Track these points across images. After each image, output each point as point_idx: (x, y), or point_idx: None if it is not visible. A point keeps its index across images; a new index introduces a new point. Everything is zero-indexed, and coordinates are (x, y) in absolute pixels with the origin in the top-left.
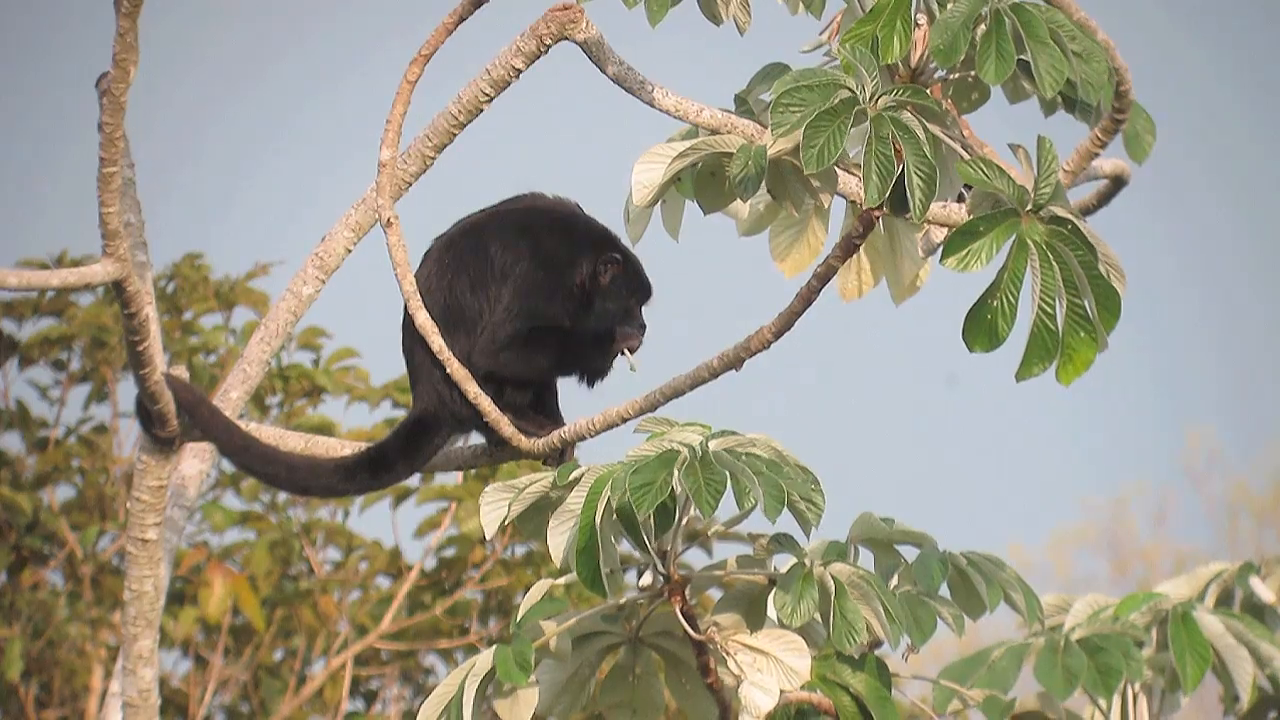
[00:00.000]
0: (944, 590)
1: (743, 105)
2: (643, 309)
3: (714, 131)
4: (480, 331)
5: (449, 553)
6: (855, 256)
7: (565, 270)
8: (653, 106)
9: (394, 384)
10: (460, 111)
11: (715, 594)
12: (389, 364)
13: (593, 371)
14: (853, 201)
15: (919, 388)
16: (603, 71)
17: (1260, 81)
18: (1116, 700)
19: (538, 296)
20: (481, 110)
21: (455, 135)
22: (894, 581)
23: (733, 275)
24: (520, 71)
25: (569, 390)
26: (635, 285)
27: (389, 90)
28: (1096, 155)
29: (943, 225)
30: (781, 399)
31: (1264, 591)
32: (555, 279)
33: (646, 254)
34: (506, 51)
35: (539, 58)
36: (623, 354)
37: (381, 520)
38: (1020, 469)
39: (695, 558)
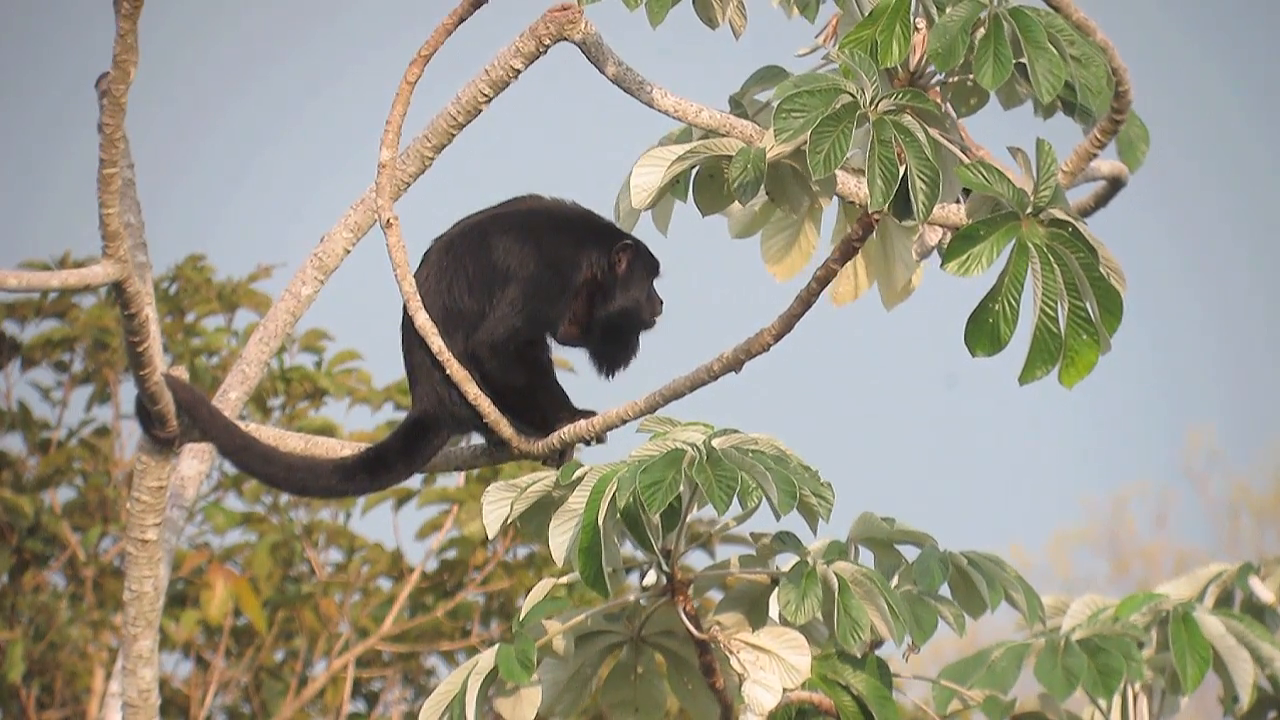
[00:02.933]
0: (945, 590)
1: (737, 108)
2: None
3: (712, 132)
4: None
5: (450, 555)
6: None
7: (570, 271)
8: (651, 107)
9: (396, 386)
10: (459, 112)
11: (717, 595)
12: (391, 366)
13: (613, 361)
14: (850, 202)
15: (919, 389)
16: (601, 72)
17: (1260, 81)
18: (1116, 701)
19: (542, 298)
20: (480, 111)
21: (454, 136)
22: (894, 581)
23: (733, 277)
24: (519, 72)
25: (573, 391)
26: (651, 265)
27: (389, 90)
28: (1095, 156)
29: (942, 226)
30: (781, 399)
31: (1263, 592)
32: (561, 280)
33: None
34: (505, 52)
35: (538, 58)
36: (562, 450)
37: (383, 522)
38: (1020, 469)
39: (696, 559)
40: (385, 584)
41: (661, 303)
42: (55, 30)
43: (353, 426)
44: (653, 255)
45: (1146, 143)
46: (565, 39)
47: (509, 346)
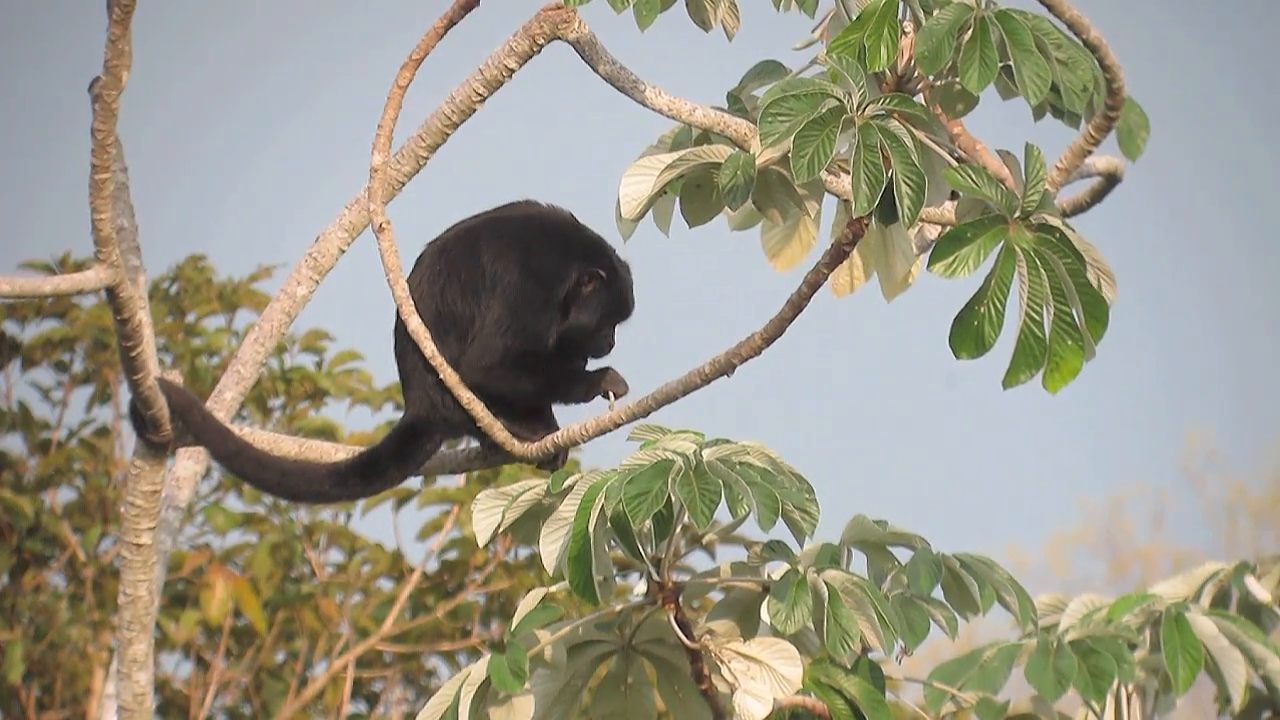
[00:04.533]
0: (938, 592)
1: (736, 103)
2: (616, 328)
3: (707, 130)
4: (470, 340)
5: (451, 555)
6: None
7: (553, 282)
8: (645, 106)
9: (396, 387)
10: (453, 112)
11: (717, 597)
12: (391, 366)
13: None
14: (845, 200)
15: (917, 389)
16: (595, 71)
17: (1260, 79)
18: (1110, 701)
19: (526, 310)
20: (475, 110)
21: (448, 135)
22: (887, 584)
23: (726, 278)
24: (513, 71)
25: None
26: (616, 304)
27: (384, 91)
28: (1089, 153)
29: (936, 223)
30: (779, 399)
31: (1259, 591)
32: (544, 291)
33: (640, 257)
34: (499, 51)
35: (532, 57)
36: (606, 396)
37: (384, 523)
38: (1018, 470)
39: (698, 561)
40: (386, 584)
41: (611, 346)
42: (54, 32)
43: (353, 427)
44: (627, 297)
45: (1147, 131)
46: (559, 38)
47: (505, 363)
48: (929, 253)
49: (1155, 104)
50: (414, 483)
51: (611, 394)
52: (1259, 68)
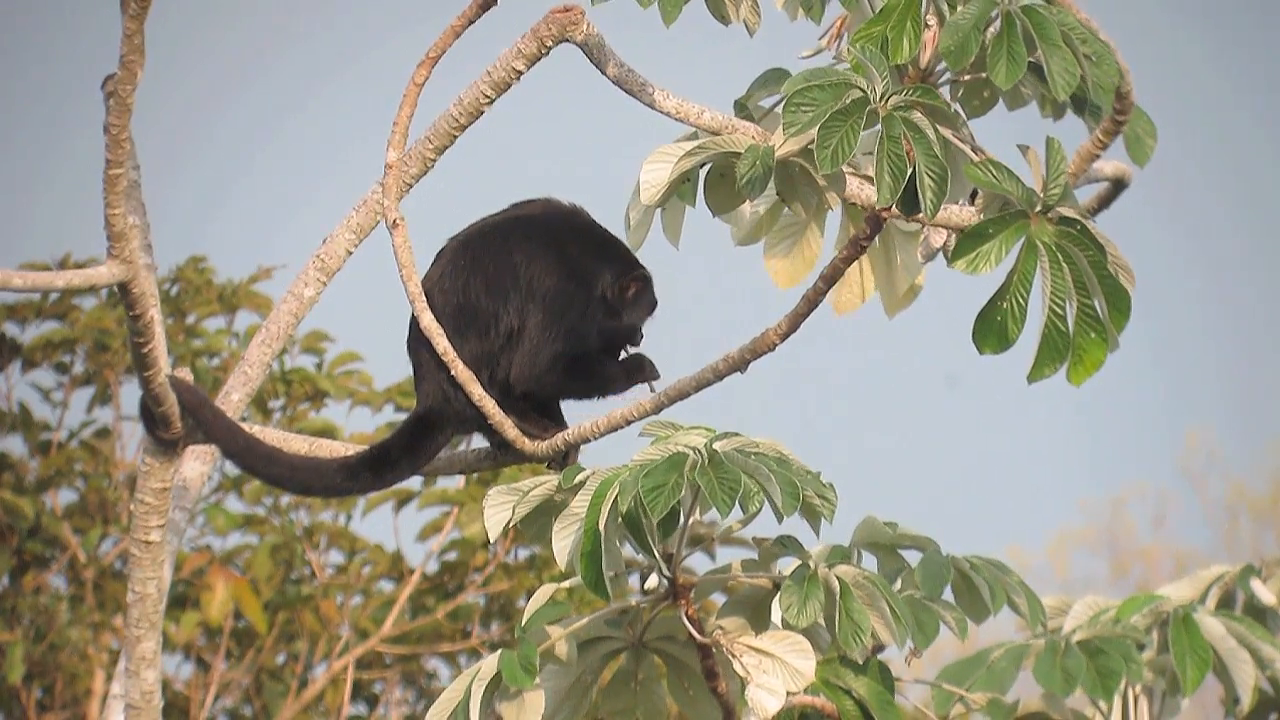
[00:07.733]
0: (947, 594)
1: (743, 111)
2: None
3: (715, 134)
4: (496, 339)
5: (451, 556)
6: (849, 268)
7: (593, 283)
8: (653, 108)
9: (396, 388)
10: (461, 113)
11: (718, 598)
12: (391, 367)
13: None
14: (853, 205)
15: (918, 390)
16: (603, 73)
17: (1262, 81)
18: (1117, 702)
19: (572, 312)
20: (482, 112)
21: (456, 137)
22: (897, 586)
23: (739, 277)
24: (521, 73)
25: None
26: (652, 301)
27: (390, 90)
28: (1097, 157)
29: (944, 227)
30: (781, 400)
31: (1265, 594)
32: (585, 292)
33: (653, 254)
34: (507, 53)
35: (540, 59)
36: (649, 387)
37: (384, 524)
38: (1019, 470)
39: (698, 562)
40: (386, 586)
41: (642, 337)
42: (55, 30)
43: (353, 428)
44: (655, 294)
45: (1154, 138)
46: (567, 40)
47: (555, 369)
48: (940, 256)
49: (1157, 106)
50: (414, 484)
51: (650, 383)
52: (1260, 70)
